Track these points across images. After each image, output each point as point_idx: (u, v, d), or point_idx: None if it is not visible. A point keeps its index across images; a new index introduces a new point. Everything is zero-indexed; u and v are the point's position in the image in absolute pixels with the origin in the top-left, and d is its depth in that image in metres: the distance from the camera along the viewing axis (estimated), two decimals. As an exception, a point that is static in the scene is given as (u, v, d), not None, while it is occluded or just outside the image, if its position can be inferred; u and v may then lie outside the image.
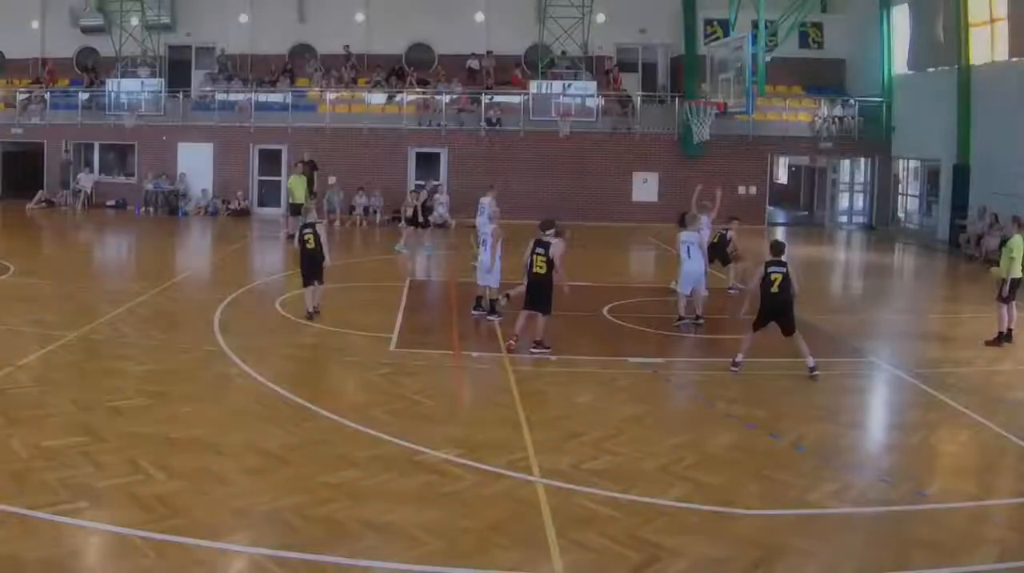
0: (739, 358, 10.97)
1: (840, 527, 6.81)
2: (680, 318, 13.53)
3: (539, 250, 11.44)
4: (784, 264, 10.95)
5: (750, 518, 6.90)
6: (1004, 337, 12.93)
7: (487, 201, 18.82)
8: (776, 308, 10.84)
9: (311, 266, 13.30)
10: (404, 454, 8.01)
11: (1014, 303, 13.00)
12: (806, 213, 33.52)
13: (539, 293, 11.42)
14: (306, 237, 13.26)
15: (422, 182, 24.82)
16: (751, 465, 8.00)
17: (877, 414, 10.24)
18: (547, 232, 11.62)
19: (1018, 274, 12.93)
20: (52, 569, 5.73)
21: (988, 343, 12.91)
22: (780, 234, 25.06)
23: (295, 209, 23.04)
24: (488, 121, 28.79)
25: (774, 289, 10.80)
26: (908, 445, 8.71)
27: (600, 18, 31.27)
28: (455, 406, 9.65)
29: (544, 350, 11.57)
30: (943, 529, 6.75)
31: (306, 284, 13.38)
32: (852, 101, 29.44)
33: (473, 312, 13.65)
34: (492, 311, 13.39)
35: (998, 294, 13.09)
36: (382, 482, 7.37)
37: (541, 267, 11.38)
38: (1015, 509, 7.35)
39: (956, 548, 6.45)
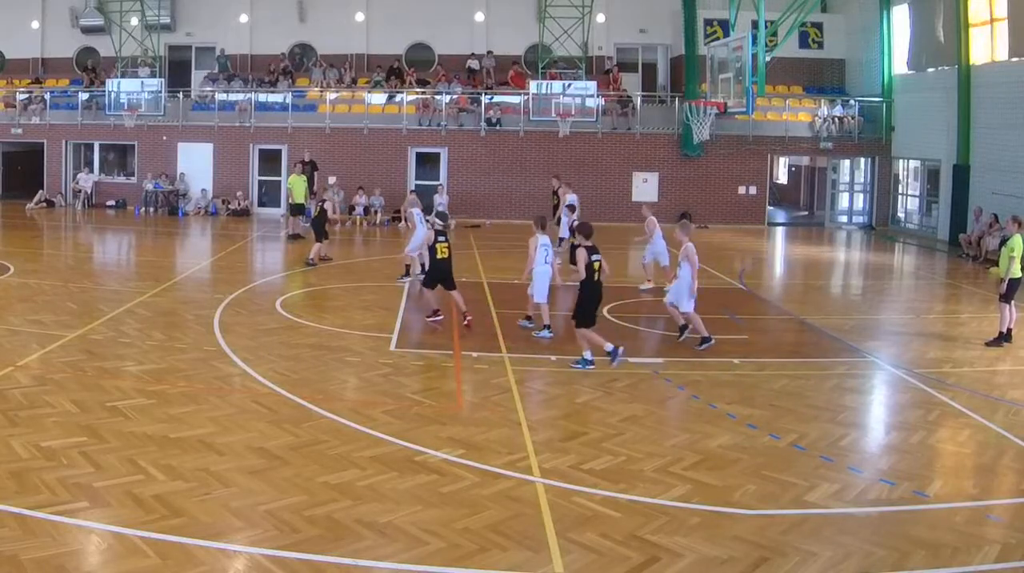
0: (588, 355, 11.00)
1: (840, 527, 6.80)
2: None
3: (441, 239, 13.18)
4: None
5: (750, 518, 6.90)
6: (1004, 337, 12.93)
7: (575, 197, 19.07)
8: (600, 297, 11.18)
9: (319, 225, 18.77)
10: (404, 454, 8.02)
11: (1014, 303, 13.01)
12: (806, 213, 33.55)
13: (450, 274, 13.30)
14: (321, 205, 19.06)
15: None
16: (751, 465, 8.00)
17: (877, 414, 10.23)
18: (445, 224, 13.65)
19: (1018, 274, 12.93)
20: (52, 569, 5.73)
21: (988, 343, 12.92)
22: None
23: (295, 209, 23.09)
24: (488, 121, 28.79)
25: (598, 277, 11.03)
26: (908, 445, 8.71)
27: (600, 18, 31.31)
28: (455, 406, 9.65)
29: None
30: (943, 529, 6.75)
31: (318, 240, 18.69)
32: (852, 101, 29.46)
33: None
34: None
35: (1001, 294, 13.11)
36: (382, 482, 7.37)
37: (444, 253, 13.15)
38: (1015, 509, 7.35)
39: (956, 548, 6.45)
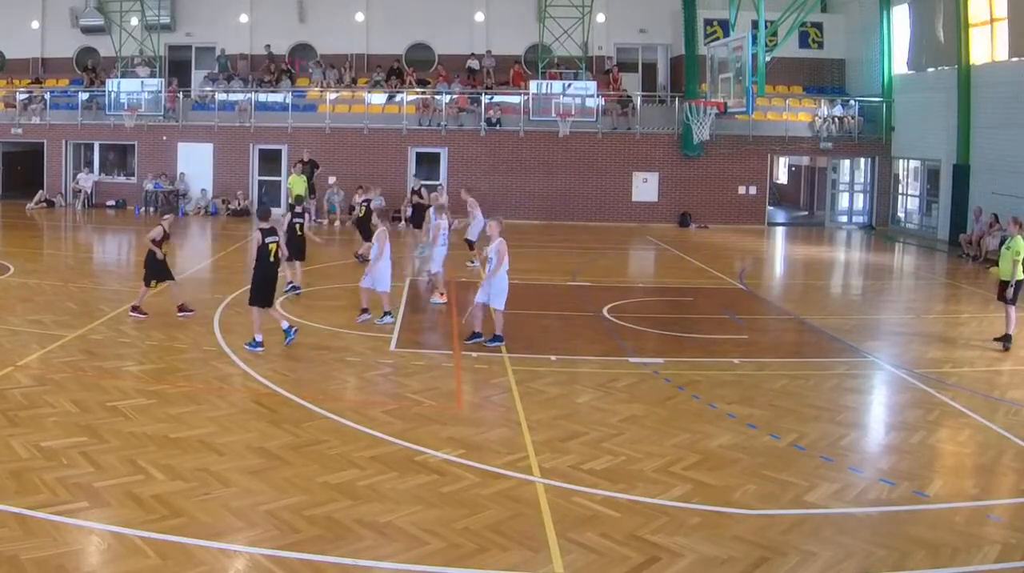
0: (259, 338, 11.49)
1: (840, 527, 6.80)
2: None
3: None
4: (276, 232, 11.80)
5: (750, 518, 6.90)
6: (1004, 338, 12.89)
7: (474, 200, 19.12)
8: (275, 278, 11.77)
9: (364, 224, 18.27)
10: (404, 454, 8.02)
11: (1015, 305, 12.97)
12: (806, 213, 33.55)
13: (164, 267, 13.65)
14: (366, 206, 18.38)
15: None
16: (751, 465, 8.00)
17: (877, 414, 10.23)
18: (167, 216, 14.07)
19: (1021, 276, 12.88)
20: (52, 569, 5.73)
21: (997, 339, 12.82)
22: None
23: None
24: (488, 121, 28.78)
25: (273, 258, 11.57)
26: (908, 445, 8.71)
27: (600, 18, 31.30)
28: (455, 406, 9.65)
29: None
30: (943, 529, 6.75)
31: (366, 239, 17.36)
32: (852, 101, 29.45)
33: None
34: None
35: (999, 294, 13.09)
36: (382, 482, 7.37)
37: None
38: (1015, 509, 7.35)
39: (956, 548, 6.45)
